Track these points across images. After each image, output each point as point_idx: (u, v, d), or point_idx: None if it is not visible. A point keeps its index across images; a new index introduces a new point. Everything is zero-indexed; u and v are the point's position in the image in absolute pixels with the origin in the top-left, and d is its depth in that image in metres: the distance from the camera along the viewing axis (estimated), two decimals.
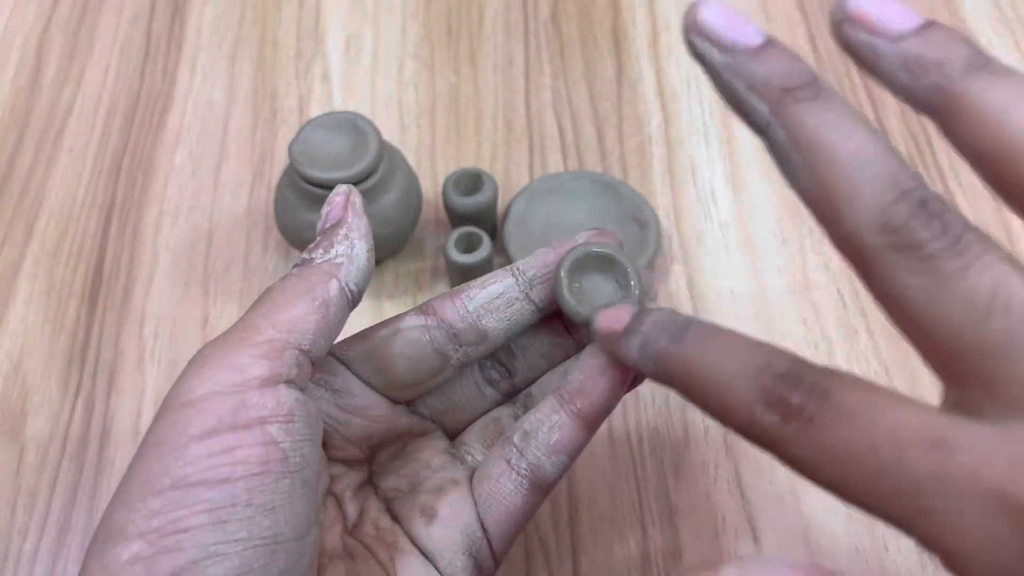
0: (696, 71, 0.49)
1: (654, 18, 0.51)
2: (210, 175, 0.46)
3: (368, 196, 0.38)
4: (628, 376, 0.25)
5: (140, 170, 0.46)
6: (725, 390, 0.19)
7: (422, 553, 0.26)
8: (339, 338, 0.26)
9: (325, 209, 0.26)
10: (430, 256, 0.43)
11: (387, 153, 0.39)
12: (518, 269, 0.28)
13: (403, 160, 0.41)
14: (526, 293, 0.27)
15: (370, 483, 0.28)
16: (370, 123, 0.38)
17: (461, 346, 0.28)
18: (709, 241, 0.43)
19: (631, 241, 0.41)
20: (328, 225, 0.26)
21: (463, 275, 0.39)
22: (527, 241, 0.41)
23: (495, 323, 0.27)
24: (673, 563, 0.34)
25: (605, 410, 0.26)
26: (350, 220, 0.26)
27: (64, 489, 0.37)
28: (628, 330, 0.23)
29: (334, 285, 0.24)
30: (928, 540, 0.17)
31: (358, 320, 0.41)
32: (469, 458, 0.29)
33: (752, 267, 0.42)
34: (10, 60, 0.50)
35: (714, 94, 0.48)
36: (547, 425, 0.26)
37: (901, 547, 0.34)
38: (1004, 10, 0.50)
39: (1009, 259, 0.18)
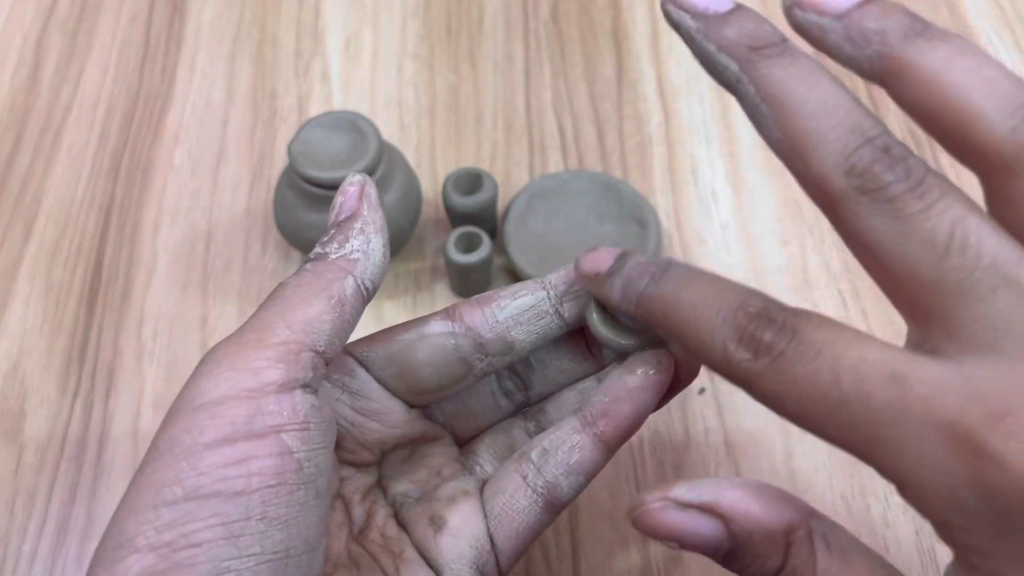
0: (697, 70, 0.49)
1: (655, 17, 0.51)
2: (209, 175, 0.46)
3: None
4: (654, 400, 0.25)
5: (139, 170, 0.46)
6: (702, 329, 0.20)
7: (428, 564, 0.25)
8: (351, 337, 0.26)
9: (338, 199, 0.25)
10: (430, 256, 0.43)
11: (387, 153, 0.39)
12: (550, 283, 0.27)
13: (403, 160, 0.41)
14: (556, 308, 0.27)
15: (378, 486, 0.28)
16: (370, 123, 0.38)
17: (487, 356, 0.27)
18: (710, 241, 0.43)
19: (631, 241, 0.41)
20: (342, 217, 0.25)
21: (463, 275, 0.39)
22: (527, 241, 0.41)
23: (523, 336, 0.27)
24: (673, 564, 0.34)
25: (627, 434, 0.25)
26: (365, 213, 0.25)
27: (63, 490, 0.37)
28: (611, 271, 0.24)
29: (350, 283, 0.24)
30: (885, 469, 0.18)
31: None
32: (478, 468, 0.28)
33: (752, 267, 0.42)
34: (8, 59, 0.50)
35: (715, 93, 0.48)
36: (568, 445, 0.25)
37: (902, 547, 0.34)
38: (1004, 9, 0.50)
39: (968, 201, 0.19)
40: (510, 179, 0.45)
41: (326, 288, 0.23)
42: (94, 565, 0.20)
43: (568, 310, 0.27)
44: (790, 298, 0.41)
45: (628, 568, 0.35)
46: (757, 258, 0.42)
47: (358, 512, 0.26)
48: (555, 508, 0.26)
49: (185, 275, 0.42)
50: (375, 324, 0.39)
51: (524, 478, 0.26)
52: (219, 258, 0.43)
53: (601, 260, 0.24)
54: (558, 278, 0.27)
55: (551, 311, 0.27)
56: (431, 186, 0.44)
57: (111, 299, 0.42)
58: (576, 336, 0.28)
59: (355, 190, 0.25)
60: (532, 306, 0.27)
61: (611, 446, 0.25)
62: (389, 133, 0.47)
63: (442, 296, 0.41)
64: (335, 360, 0.26)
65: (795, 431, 0.37)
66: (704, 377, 0.38)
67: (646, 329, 0.25)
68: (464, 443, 0.29)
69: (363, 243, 0.24)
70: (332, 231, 0.25)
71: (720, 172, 0.45)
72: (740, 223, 0.43)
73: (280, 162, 0.46)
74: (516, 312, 0.27)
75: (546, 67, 0.49)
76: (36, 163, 0.46)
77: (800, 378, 0.19)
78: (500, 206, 0.43)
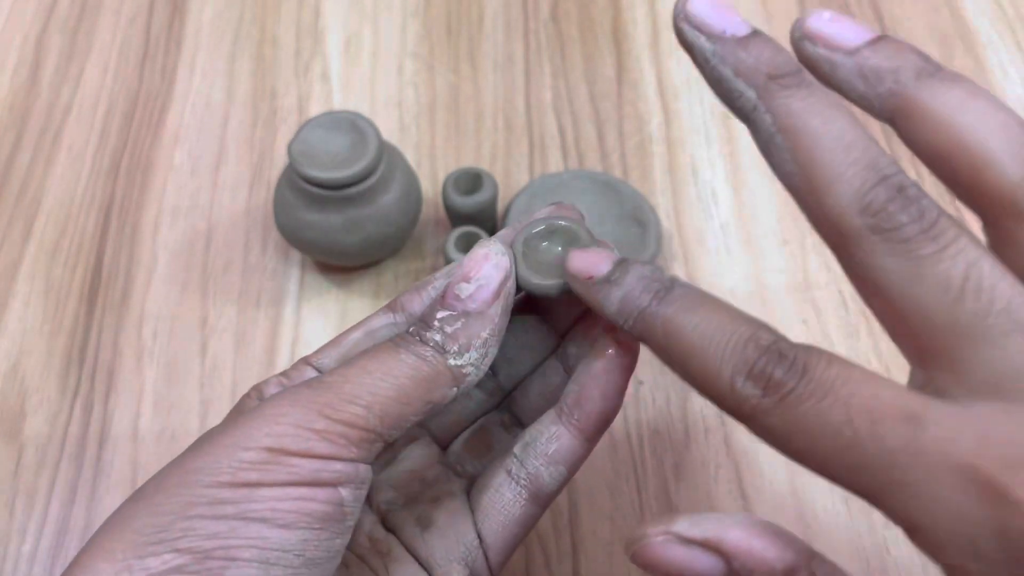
0: (696, 71, 0.49)
1: (655, 17, 0.51)
2: (209, 175, 0.46)
3: (367, 196, 0.38)
4: (623, 381, 0.25)
5: (139, 170, 0.46)
6: (708, 358, 0.20)
7: (417, 562, 0.26)
8: (314, 348, 0.26)
9: (475, 272, 0.24)
10: (430, 256, 0.43)
11: (387, 153, 0.39)
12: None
13: (403, 159, 0.41)
14: None
15: None
16: (369, 122, 0.38)
17: None
18: (710, 241, 0.43)
19: (632, 241, 0.41)
20: (472, 306, 0.23)
21: None
22: None
23: None
24: None
25: (601, 421, 0.25)
26: (496, 321, 0.24)
27: (63, 490, 0.37)
28: (609, 280, 0.22)
29: (452, 395, 0.23)
30: (896, 512, 0.18)
31: (356, 320, 0.41)
32: (459, 468, 0.29)
33: (753, 267, 0.42)
34: (8, 59, 0.50)
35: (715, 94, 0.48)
36: (545, 436, 0.25)
37: (903, 549, 0.34)
38: (1004, 9, 0.50)
39: (980, 245, 0.19)
40: (510, 179, 0.45)
41: (430, 393, 0.23)
42: (115, 543, 0.20)
43: None
44: (790, 298, 0.41)
45: (628, 568, 0.35)
46: (757, 258, 0.42)
47: None
48: (540, 500, 0.26)
49: (185, 275, 0.42)
50: None
51: (508, 472, 0.26)
52: (219, 258, 0.43)
53: (595, 263, 0.23)
54: None
55: None
56: (431, 186, 0.44)
57: (111, 299, 0.42)
58: (524, 308, 0.28)
59: (498, 280, 0.24)
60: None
61: (589, 434, 0.25)
62: (389, 133, 0.47)
63: None
64: (296, 373, 0.26)
65: None
66: None
67: (559, 272, 0.25)
68: (444, 442, 0.30)
69: (479, 358, 0.23)
70: (460, 320, 0.23)
71: (720, 172, 0.45)
72: (740, 223, 0.43)
73: (280, 162, 0.46)
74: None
75: (546, 67, 0.49)
76: (36, 163, 0.46)
77: (810, 416, 0.18)
78: (500, 206, 0.43)
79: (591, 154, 0.46)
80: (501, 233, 0.27)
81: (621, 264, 0.23)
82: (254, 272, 0.42)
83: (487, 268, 0.24)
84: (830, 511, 0.35)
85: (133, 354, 0.40)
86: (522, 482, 0.26)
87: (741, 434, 0.37)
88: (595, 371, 0.25)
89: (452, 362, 0.23)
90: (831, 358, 0.19)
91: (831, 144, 0.20)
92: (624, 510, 0.36)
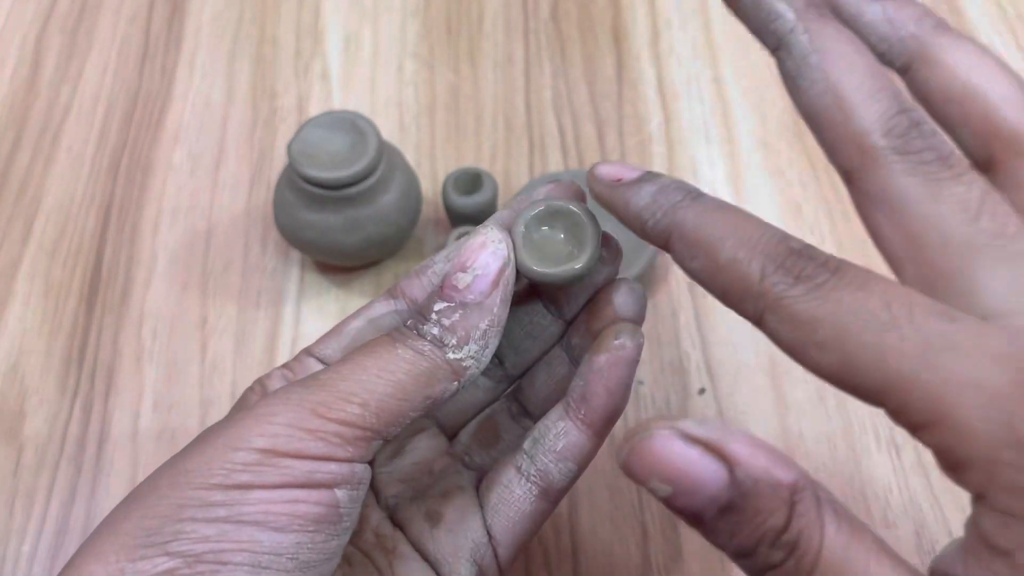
0: (697, 70, 0.49)
1: (655, 17, 0.51)
2: (209, 174, 0.46)
3: (367, 196, 0.38)
4: (628, 374, 0.25)
5: (138, 169, 0.46)
6: (740, 247, 0.20)
7: (425, 559, 0.26)
8: (315, 338, 0.26)
9: (472, 260, 0.23)
10: (430, 256, 0.43)
11: (386, 152, 0.39)
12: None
13: (402, 159, 0.41)
14: None
15: (370, 488, 0.27)
16: (369, 122, 0.38)
17: None
18: None
19: (633, 241, 0.41)
20: (470, 297, 0.23)
21: None
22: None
23: None
24: (673, 563, 0.34)
25: (608, 416, 0.25)
26: (496, 311, 0.23)
27: (62, 490, 0.37)
28: (642, 179, 0.23)
29: (452, 389, 0.23)
30: (924, 403, 0.17)
31: None
32: (467, 459, 0.28)
33: None
34: (8, 59, 0.50)
35: (715, 93, 0.48)
36: (553, 432, 0.25)
37: (902, 548, 0.34)
38: (1005, 8, 0.50)
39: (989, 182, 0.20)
40: (510, 179, 0.45)
41: (429, 387, 0.22)
42: (106, 545, 0.20)
43: None
44: None
45: (628, 568, 0.34)
46: None
47: None
48: (550, 496, 0.26)
49: (185, 275, 0.42)
50: None
51: (518, 468, 0.26)
52: (219, 258, 0.43)
53: (623, 171, 0.23)
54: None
55: None
56: (431, 186, 0.44)
57: (110, 299, 0.42)
58: (530, 295, 0.28)
59: (496, 269, 0.23)
60: None
61: (596, 429, 0.25)
62: (389, 133, 0.47)
63: None
64: (298, 365, 0.26)
65: (795, 432, 0.37)
66: (704, 377, 0.38)
67: (568, 258, 0.24)
68: (451, 432, 0.29)
69: (479, 350, 0.23)
70: (458, 311, 0.23)
71: (720, 172, 0.45)
72: None
73: (280, 162, 0.46)
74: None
75: (546, 67, 0.49)
76: (35, 163, 0.46)
77: (845, 302, 0.18)
78: (500, 206, 0.43)
79: (591, 154, 0.46)
80: (499, 215, 0.26)
81: (652, 172, 0.23)
82: (254, 272, 0.42)
83: (484, 256, 0.23)
84: None
85: (133, 354, 0.40)
86: (532, 478, 0.25)
87: None
88: (598, 366, 0.24)
89: (451, 355, 0.22)
90: (865, 268, 0.19)
91: (863, 69, 0.21)
92: (624, 510, 0.36)
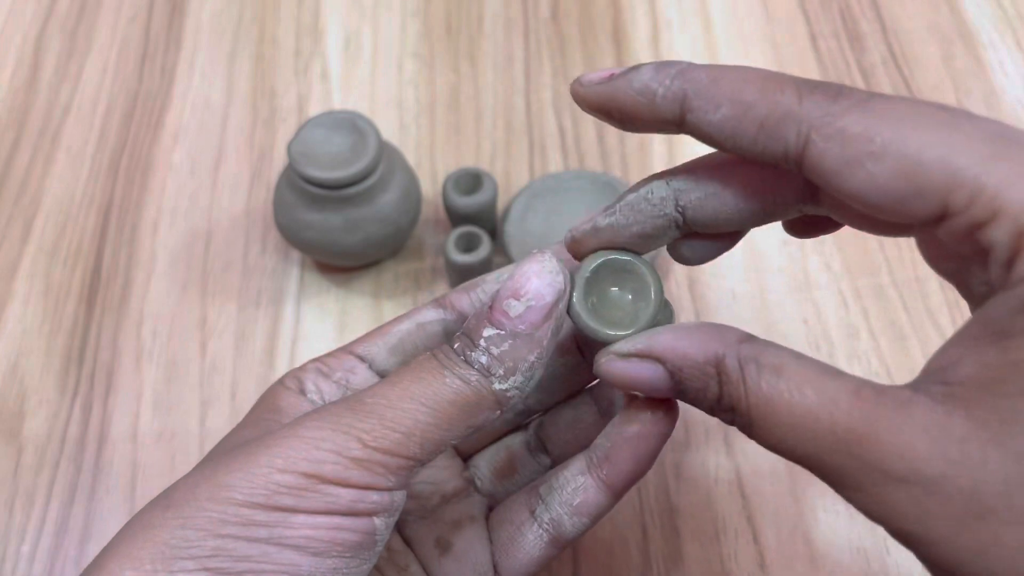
0: None
1: (655, 16, 0.51)
2: (208, 174, 0.46)
3: (367, 196, 0.38)
4: (656, 448, 0.25)
5: (138, 169, 0.46)
6: (765, 81, 0.19)
7: None
8: (314, 347, 0.26)
9: (527, 288, 0.22)
10: (430, 255, 0.43)
11: (386, 152, 0.39)
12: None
13: (402, 159, 0.41)
14: None
15: None
16: (369, 122, 0.38)
17: None
18: None
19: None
20: (522, 327, 0.22)
21: (463, 275, 0.39)
22: (527, 241, 0.41)
23: None
24: (673, 563, 0.34)
25: (632, 479, 0.25)
26: (545, 344, 0.22)
27: (62, 490, 0.37)
28: (635, 67, 0.21)
29: (495, 416, 0.22)
30: (995, 190, 0.17)
31: (357, 321, 0.41)
32: (478, 483, 0.29)
33: (753, 267, 0.42)
34: (8, 59, 0.50)
35: None
36: (572, 486, 0.25)
37: (903, 548, 0.34)
38: (1005, 8, 0.50)
39: None
40: (510, 179, 0.45)
41: (472, 418, 0.22)
42: (143, 550, 0.19)
43: None
44: (790, 298, 0.41)
45: (628, 568, 0.34)
46: (757, 258, 0.42)
47: None
48: (559, 544, 0.26)
49: (184, 275, 0.42)
50: (374, 324, 0.39)
51: (532, 512, 0.26)
52: (218, 258, 0.43)
53: (611, 70, 0.22)
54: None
55: None
56: (431, 186, 0.44)
57: (110, 299, 0.42)
58: (566, 341, 0.28)
59: (550, 300, 0.22)
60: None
61: (616, 490, 0.25)
62: (389, 133, 0.47)
63: None
64: (335, 361, 0.26)
65: None
66: None
67: (630, 322, 0.24)
68: (466, 455, 0.29)
69: (524, 383, 0.22)
70: (508, 341, 0.22)
71: None
72: None
73: (280, 162, 0.46)
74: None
75: (546, 66, 0.49)
76: (35, 163, 0.46)
77: (899, 108, 0.18)
78: (500, 206, 0.43)
79: (591, 154, 0.46)
80: (555, 248, 0.25)
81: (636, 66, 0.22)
82: (254, 272, 0.42)
83: (538, 285, 0.22)
84: (830, 511, 0.35)
85: (132, 354, 0.40)
86: (544, 525, 0.25)
87: (741, 435, 0.37)
88: (629, 434, 0.24)
89: (497, 386, 0.22)
90: None
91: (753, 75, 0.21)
92: (624, 510, 0.35)
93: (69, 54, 0.50)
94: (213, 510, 0.20)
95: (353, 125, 0.38)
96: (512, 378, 0.22)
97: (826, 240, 0.42)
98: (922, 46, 0.49)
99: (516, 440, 0.29)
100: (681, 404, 0.24)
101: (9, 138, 0.47)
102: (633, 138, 0.46)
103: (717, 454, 0.37)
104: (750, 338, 0.20)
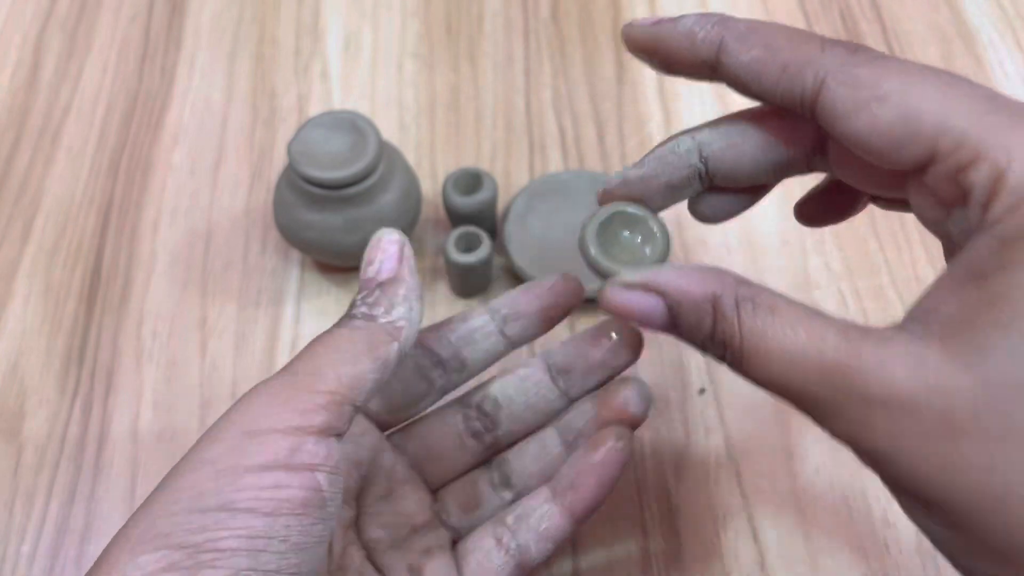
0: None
1: (655, 17, 0.51)
2: (208, 174, 0.46)
3: (367, 196, 0.38)
4: (617, 473, 0.28)
5: (138, 169, 0.46)
6: (795, 32, 0.22)
7: None
8: None
9: (376, 255, 0.26)
10: (430, 256, 0.43)
11: (386, 152, 0.39)
12: (493, 308, 0.30)
13: (402, 159, 0.41)
14: (500, 329, 0.30)
15: (354, 525, 0.29)
16: (369, 122, 0.38)
17: (445, 372, 0.30)
18: (710, 241, 0.43)
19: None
20: (383, 277, 0.26)
21: (463, 275, 0.39)
22: (527, 241, 0.41)
23: (474, 353, 0.30)
24: (673, 562, 0.34)
25: (592, 506, 0.28)
26: (408, 279, 0.26)
27: (62, 490, 0.37)
28: (682, 16, 0.25)
29: (395, 349, 0.25)
30: (981, 136, 0.19)
31: None
32: (445, 516, 0.30)
33: (753, 267, 0.42)
34: (8, 59, 0.50)
35: (715, 93, 0.48)
36: (538, 513, 0.28)
37: (903, 548, 0.34)
38: (1005, 9, 0.50)
39: None
40: (510, 179, 0.45)
41: (374, 350, 0.24)
42: (114, 550, 0.21)
43: (511, 330, 0.30)
44: (791, 298, 0.41)
45: (628, 567, 0.34)
46: (758, 258, 0.42)
47: (336, 547, 0.28)
48: (525, 569, 0.28)
49: (184, 275, 0.42)
50: None
51: (499, 540, 0.28)
52: (218, 258, 0.43)
53: (656, 18, 0.25)
54: (500, 303, 0.30)
55: (496, 332, 0.30)
56: (431, 186, 0.44)
57: (110, 299, 0.42)
58: (538, 372, 0.31)
59: (395, 251, 0.26)
60: (479, 327, 0.30)
61: (578, 516, 0.28)
62: (389, 133, 0.47)
63: (442, 296, 0.41)
64: None
65: (795, 433, 0.37)
66: (704, 377, 0.38)
67: (637, 263, 0.26)
68: (435, 487, 0.31)
69: (407, 311, 0.25)
70: (375, 291, 0.26)
71: None
72: (740, 223, 0.43)
73: (280, 162, 0.46)
74: (466, 333, 0.30)
75: (546, 67, 0.49)
76: (35, 163, 0.46)
77: (909, 66, 0.20)
78: (500, 206, 0.43)
79: (591, 154, 0.46)
80: (515, 292, 0.30)
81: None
82: (254, 272, 0.42)
83: (383, 244, 0.26)
84: (830, 511, 0.35)
85: (132, 354, 0.40)
86: (511, 552, 0.28)
87: (741, 434, 0.37)
88: (595, 460, 0.28)
89: (383, 320, 0.25)
90: None
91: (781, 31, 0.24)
92: (624, 510, 0.36)
93: (69, 54, 0.50)
94: (165, 495, 0.22)
95: (353, 125, 0.38)
96: (394, 311, 0.25)
97: (826, 240, 0.42)
98: (922, 46, 0.49)
99: (480, 475, 0.31)
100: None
101: (9, 138, 0.47)
102: (633, 138, 0.46)
103: (717, 454, 0.37)
104: (746, 281, 0.22)
